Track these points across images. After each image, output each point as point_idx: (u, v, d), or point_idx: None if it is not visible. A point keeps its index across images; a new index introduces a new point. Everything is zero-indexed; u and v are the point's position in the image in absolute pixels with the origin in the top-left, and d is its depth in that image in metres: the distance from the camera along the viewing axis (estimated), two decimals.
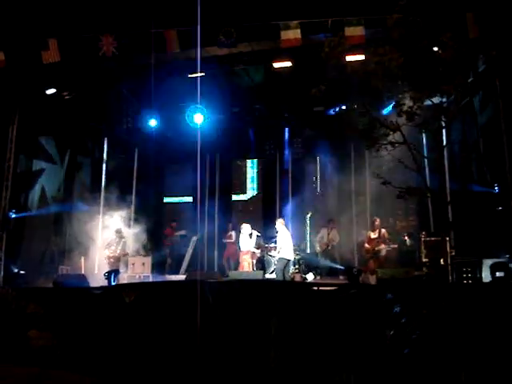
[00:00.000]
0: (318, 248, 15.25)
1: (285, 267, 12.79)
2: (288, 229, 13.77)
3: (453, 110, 10.32)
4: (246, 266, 13.98)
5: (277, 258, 13.12)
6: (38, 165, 15.25)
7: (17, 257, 13.91)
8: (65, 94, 14.56)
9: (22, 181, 14.50)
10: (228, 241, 15.68)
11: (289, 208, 17.33)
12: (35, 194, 15.12)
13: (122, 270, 13.52)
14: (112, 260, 13.38)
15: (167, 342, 8.09)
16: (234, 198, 19.28)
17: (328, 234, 15.17)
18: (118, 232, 13.77)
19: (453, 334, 6.98)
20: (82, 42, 12.16)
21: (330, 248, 15.04)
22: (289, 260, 13.00)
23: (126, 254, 13.70)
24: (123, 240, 13.64)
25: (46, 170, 15.44)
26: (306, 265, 14.48)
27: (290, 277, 13.41)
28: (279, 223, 13.29)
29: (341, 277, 14.02)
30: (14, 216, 13.91)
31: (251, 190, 19.25)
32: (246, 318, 8.12)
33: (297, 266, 14.01)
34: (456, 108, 10.37)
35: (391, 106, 13.32)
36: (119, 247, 13.43)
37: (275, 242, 14.51)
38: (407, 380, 6.95)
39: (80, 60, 12.33)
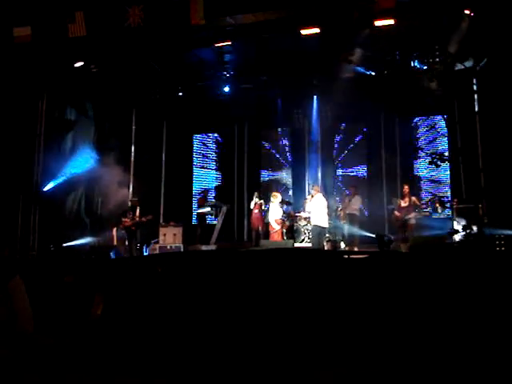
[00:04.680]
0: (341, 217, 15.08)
1: (319, 235, 12.81)
2: (325, 196, 13.56)
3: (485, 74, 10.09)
4: (276, 234, 14.02)
5: (311, 225, 13.05)
6: (71, 114, 15.17)
7: (50, 230, 13.90)
8: (92, 66, 14.53)
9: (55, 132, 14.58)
10: (256, 210, 15.33)
11: (318, 177, 17.25)
12: (67, 145, 15.00)
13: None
14: (129, 229, 13.55)
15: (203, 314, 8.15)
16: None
17: (349, 201, 14.88)
18: (133, 200, 14.04)
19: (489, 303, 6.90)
20: (108, 14, 12.12)
21: (342, 214, 14.83)
22: (324, 227, 12.96)
23: (142, 222, 13.68)
24: (138, 208, 13.72)
25: (79, 124, 15.36)
26: (338, 233, 14.42)
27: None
28: (314, 190, 13.15)
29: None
30: (46, 189, 14.02)
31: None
32: (279, 285, 8.15)
33: (328, 235, 13.94)
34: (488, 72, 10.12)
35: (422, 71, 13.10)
36: (135, 215, 13.52)
37: (304, 210, 14.48)
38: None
39: (106, 32, 12.26)
